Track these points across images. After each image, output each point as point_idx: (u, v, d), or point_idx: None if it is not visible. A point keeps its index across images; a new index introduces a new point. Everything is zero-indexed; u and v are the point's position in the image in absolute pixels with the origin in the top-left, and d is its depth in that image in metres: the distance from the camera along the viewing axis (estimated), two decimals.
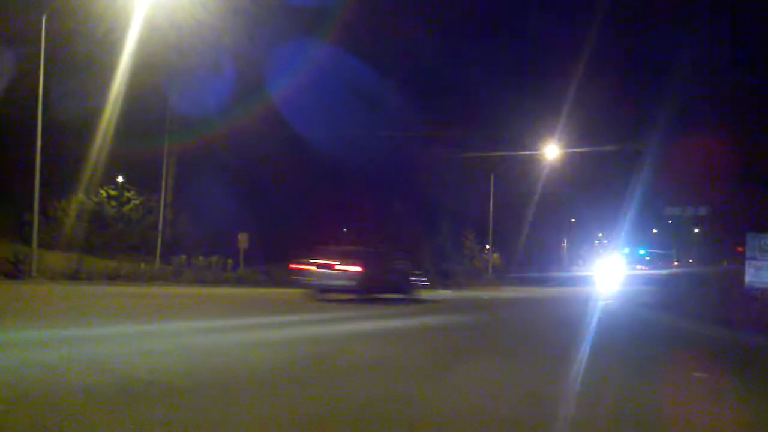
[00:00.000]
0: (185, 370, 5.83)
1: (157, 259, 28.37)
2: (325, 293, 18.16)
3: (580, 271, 43.28)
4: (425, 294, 22.74)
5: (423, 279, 23.45)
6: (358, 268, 17.89)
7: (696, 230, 33.54)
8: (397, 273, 20.25)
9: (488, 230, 42.89)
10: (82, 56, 24.16)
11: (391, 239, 39.56)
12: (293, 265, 19.29)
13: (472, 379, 6.10)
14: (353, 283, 17.81)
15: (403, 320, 13.25)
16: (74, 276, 21.17)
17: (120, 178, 31.83)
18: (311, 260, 18.49)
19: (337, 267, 17.96)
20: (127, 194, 31.37)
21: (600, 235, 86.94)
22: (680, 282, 21.04)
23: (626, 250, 77.64)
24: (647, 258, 76.01)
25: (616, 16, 58.05)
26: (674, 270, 26.90)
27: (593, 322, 15.03)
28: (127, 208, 31.19)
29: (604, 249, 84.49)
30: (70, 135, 25.39)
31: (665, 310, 18.35)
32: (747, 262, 16.86)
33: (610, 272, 50.92)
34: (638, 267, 42.84)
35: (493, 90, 55.19)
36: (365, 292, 18.40)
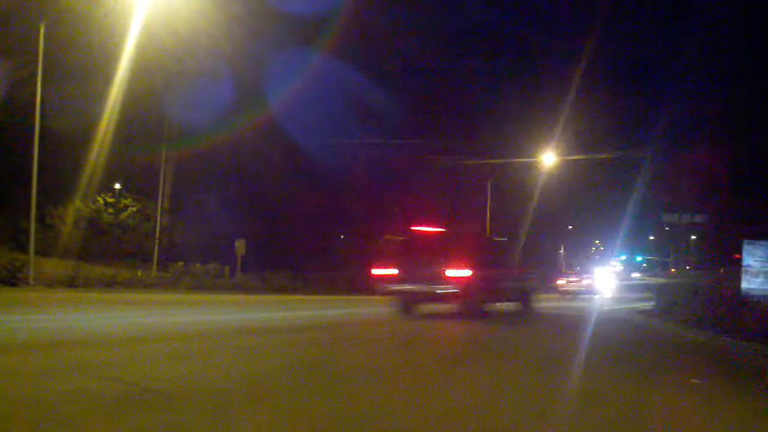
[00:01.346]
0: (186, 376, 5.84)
1: (154, 266, 28.36)
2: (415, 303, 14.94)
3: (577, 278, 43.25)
4: None
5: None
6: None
7: (693, 237, 33.67)
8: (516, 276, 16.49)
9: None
10: (80, 64, 24.19)
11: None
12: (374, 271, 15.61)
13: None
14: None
15: None
16: (71, 283, 21.16)
17: (117, 186, 31.83)
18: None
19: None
20: (124, 201, 31.37)
21: (596, 242, 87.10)
22: (676, 289, 21.07)
23: (623, 257, 77.75)
24: (644, 265, 76.17)
25: (615, 25, 58.35)
26: (671, 277, 26.94)
27: (590, 328, 15.04)
28: (124, 215, 31.18)
29: (600, 256, 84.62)
30: (68, 142, 25.40)
31: (661, 317, 18.38)
32: (743, 270, 16.93)
33: (605, 280, 50.96)
34: (632, 274, 42.88)
35: (490, 98, 55.29)
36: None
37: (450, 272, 13.79)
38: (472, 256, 14.13)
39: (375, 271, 15.41)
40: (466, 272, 13.82)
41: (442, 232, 16.82)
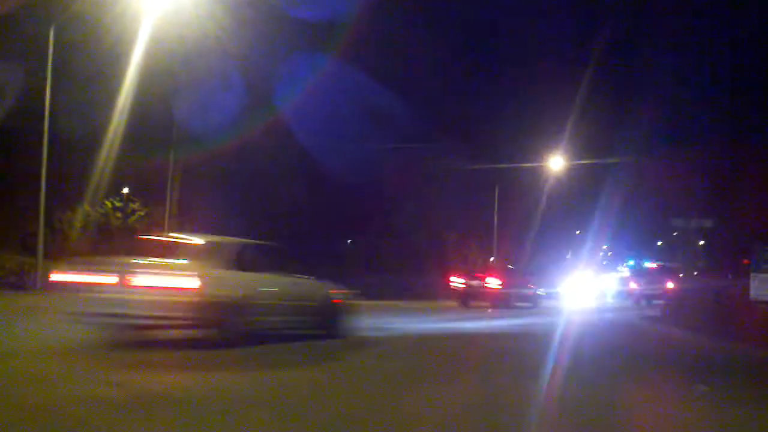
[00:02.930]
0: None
1: None
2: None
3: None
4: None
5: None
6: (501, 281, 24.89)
7: (701, 242, 33.45)
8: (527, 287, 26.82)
9: (493, 242, 42.80)
10: (89, 68, 24.27)
11: (396, 252, 39.54)
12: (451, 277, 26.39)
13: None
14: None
15: None
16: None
17: (126, 190, 31.85)
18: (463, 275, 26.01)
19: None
20: (132, 205, 31.34)
21: (604, 246, 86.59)
22: (684, 295, 20.96)
23: (631, 262, 77.42)
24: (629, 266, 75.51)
25: (621, 28, 58.13)
26: (679, 282, 26.76)
27: (597, 334, 15.00)
28: (132, 219, 31.16)
29: (608, 261, 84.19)
30: (76, 147, 25.43)
31: (668, 323, 18.29)
32: (752, 275, 16.78)
33: (612, 286, 50.82)
34: (635, 282, 42.61)
35: (498, 103, 55.07)
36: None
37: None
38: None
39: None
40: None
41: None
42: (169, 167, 29.70)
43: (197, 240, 9.97)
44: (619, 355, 10.70)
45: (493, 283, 25.10)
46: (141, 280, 8.17)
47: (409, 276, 33.82)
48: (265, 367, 7.60)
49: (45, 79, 20.65)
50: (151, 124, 27.60)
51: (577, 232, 67.08)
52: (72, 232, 27.23)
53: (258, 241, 11.73)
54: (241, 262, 9.51)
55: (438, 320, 17.26)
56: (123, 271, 8.32)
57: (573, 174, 41.55)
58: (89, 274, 8.70)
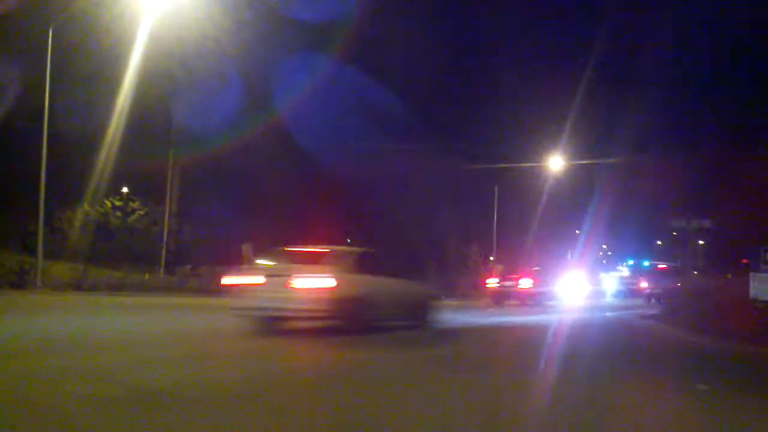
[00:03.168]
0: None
1: (162, 269, 28.40)
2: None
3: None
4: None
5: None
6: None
7: (701, 242, 33.44)
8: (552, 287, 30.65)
9: (492, 241, 42.83)
10: (88, 68, 24.28)
11: (395, 251, 39.44)
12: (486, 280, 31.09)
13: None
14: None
15: None
16: (79, 286, 21.22)
17: (125, 189, 31.87)
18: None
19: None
20: (132, 205, 31.38)
21: (604, 246, 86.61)
22: (684, 294, 20.96)
23: (630, 262, 77.42)
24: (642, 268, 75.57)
25: (621, 29, 58.22)
26: (678, 282, 26.77)
27: (596, 333, 15.02)
28: (131, 218, 31.19)
29: (608, 260, 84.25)
30: (76, 146, 25.46)
31: (668, 323, 18.30)
32: (751, 275, 16.78)
33: (611, 285, 50.97)
34: (647, 282, 42.89)
35: (497, 103, 55.09)
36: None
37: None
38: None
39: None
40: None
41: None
42: (168, 167, 29.74)
43: (331, 249, 12.39)
44: (620, 355, 10.72)
45: (525, 283, 28.58)
46: (298, 282, 10.57)
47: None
48: (383, 348, 10.08)
49: (44, 79, 20.65)
50: (151, 124, 27.63)
51: (577, 231, 67.15)
52: (72, 231, 27.24)
53: (374, 250, 14.19)
54: (363, 267, 11.81)
55: (485, 316, 20.12)
56: (284, 275, 10.72)
57: (572, 174, 41.60)
58: (255, 278, 11.13)
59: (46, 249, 21.56)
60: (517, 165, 40.45)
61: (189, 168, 31.74)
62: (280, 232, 35.82)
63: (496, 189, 40.66)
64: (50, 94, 20.80)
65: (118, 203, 30.86)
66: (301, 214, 37.42)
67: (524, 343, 12.30)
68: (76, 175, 26.33)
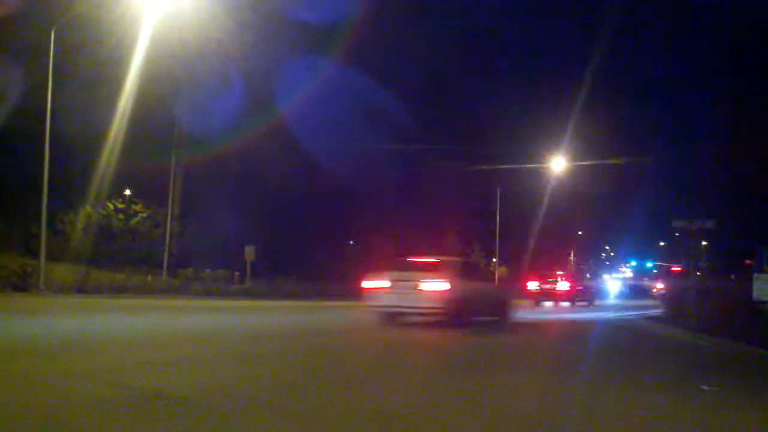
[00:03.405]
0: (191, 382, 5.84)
1: (164, 271, 28.42)
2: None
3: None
4: None
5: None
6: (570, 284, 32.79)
7: (704, 243, 33.35)
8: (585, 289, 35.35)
9: (495, 243, 42.81)
10: (91, 70, 24.30)
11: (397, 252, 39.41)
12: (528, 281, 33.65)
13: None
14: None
15: None
16: (81, 289, 21.22)
17: (128, 191, 31.90)
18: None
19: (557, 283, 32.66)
20: (134, 207, 31.38)
21: (607, 248, 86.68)
22: (687, 295, 20.93)
23: (633, 263, 77.32)
24: (654, 271, 75.68)
25: (624, 30, 58.21)
26: (681, 283, 26.74)
27: (599, 335, 15.04)
28: (134, 221, 31.21)
29: (611, 261, 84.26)
30: (78, 148, 25.48)
31: (672, 324, 18.27)
32: (755, 276, 16.74)
33: (613, 285, 51.27)
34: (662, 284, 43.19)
35: (500, 104, 55.19)
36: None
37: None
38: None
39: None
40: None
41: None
42: (171, 169, 29.75)
43: (442, 259, 15.39)
44: (620, 355, 10.72)
45: (563, 286, 32.22)
46: (424, 286, 13.17)
47: None
48: (476, 336, 12.66)
49: (47, 81, 20.67)
50: (153, 126, 27.65)
51: (579, 233, 67.16)
52: (74, 233, 27.25)
53: (471, 260, 18.24)
54: (465, 273, 14.57)
55: (535, 313, 23.68)
56: (413, 280, 13.28)
57: (575, 175, 41.51)
58: (384, 282, 13.68)
59: (49, 251, 21.57)
60: (520, 166, 40.40)
61: (191, 170, 31.75)
62: (283, 233, 35.92)
63: (498, 190, 40.65)
64: (52, 96, 20.83)
65: (120, 205, 30.88)
66: (304, 215, 37.50)
67: (574, 334, 15.87)
68: (78, 178, 26.36)
